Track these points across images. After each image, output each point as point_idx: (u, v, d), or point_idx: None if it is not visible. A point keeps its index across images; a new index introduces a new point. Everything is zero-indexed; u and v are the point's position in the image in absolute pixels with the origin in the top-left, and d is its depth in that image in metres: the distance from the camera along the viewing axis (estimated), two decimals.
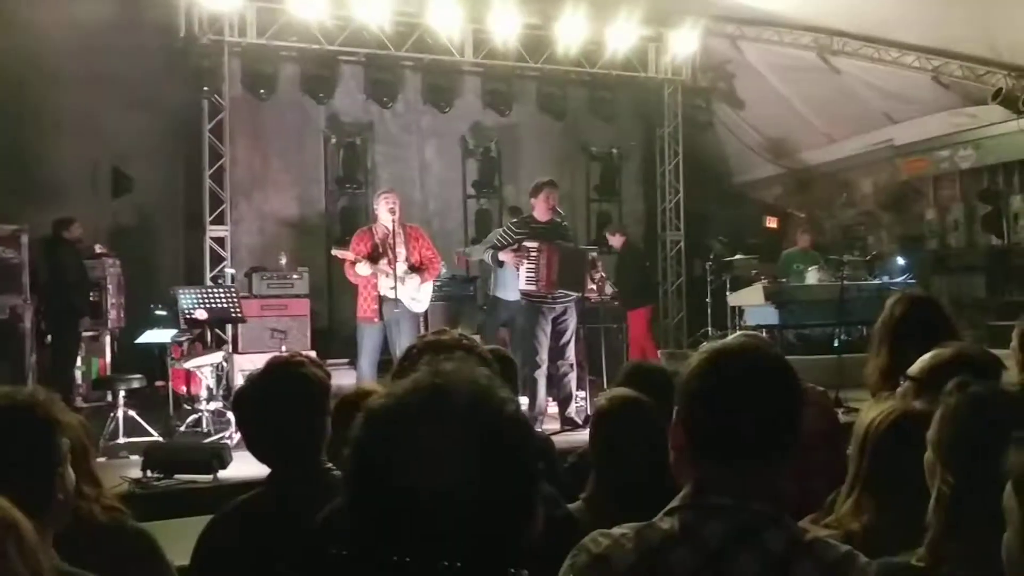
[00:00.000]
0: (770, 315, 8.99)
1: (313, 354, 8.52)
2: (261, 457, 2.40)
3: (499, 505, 1.05)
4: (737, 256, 11.13)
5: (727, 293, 10.48)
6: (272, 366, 2.43)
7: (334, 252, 7.77)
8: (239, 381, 7.74)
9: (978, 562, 1.53)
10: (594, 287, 7.70)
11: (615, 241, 10.48)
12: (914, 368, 2.37)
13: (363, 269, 7.34)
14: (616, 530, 1.53)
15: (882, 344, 3.01)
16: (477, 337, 8.41)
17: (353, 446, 1.08)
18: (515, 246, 7.42)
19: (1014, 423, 1.37)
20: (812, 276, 9.59)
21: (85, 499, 2.01)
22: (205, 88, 10.04)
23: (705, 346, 1.61)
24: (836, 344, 8.14)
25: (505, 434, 1.08)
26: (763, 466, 1.49)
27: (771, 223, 12.50)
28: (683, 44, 11.56)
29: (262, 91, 10.64)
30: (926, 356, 2.37)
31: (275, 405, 2.34)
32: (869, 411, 2.11)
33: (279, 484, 2.36)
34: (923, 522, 1.70)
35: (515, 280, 7.63)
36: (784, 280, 9.50)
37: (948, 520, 1.65)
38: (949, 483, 1.67)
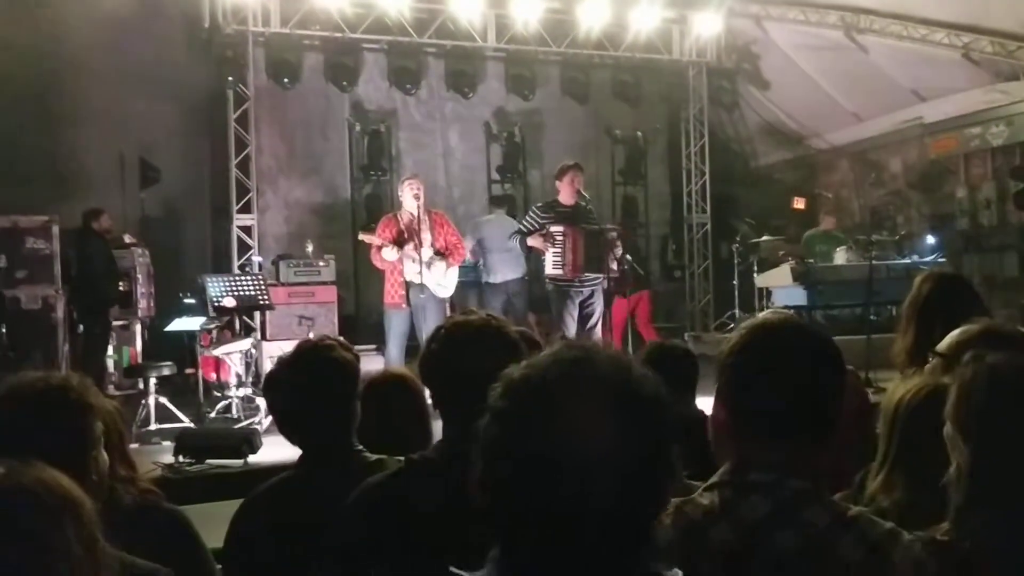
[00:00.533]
0: (798, 296, 8.92)
1: (342, 338, 8.61)
2: (292, 439, 2.42)
3: (638, 481, 1.04)
4: (764, 237, 11.05)
5: (754, 275, 10.42)
6: (302, 349, 2.44)
7: (361, 237, 7.80)
8: (268, 368, 7.79)
9: (1000, 533, 1.51)
10: (614, 265, 7.65)
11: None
12: (942, 345, 2.35)
13: (389, 254, 7.37)
14: None
15: (910, 322, 2.99)
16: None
17: (494, 415, 1.07)
18: (542, 231, 7.42)
19: None
20: (841, 256, 9.51)
21: (121, 481, 2.04)
22: (230, 78, 10.10)
23: (746, 323, 1.60)
24: (868, 323, 8.06)
25: (648, 408, 1.06)
26: (804, 443, 1.48)
27: (799, 204, 12.38)
28: (707, 25, 11.47)
29: (286, 80, 10.70)
30: (954, 333, 2.35)
31: (305, 388, 2.35)
32: (897, 388, 2.10)
33: (310, 466, 2.37)
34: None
35: (501, 264, 7.63)
36: (811, 260, 9.42)
37: (968, 492, 1.64)
38: (966, 455, 1.66)
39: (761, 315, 1.62)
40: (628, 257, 7.87)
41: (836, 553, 1.40)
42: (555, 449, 1.01)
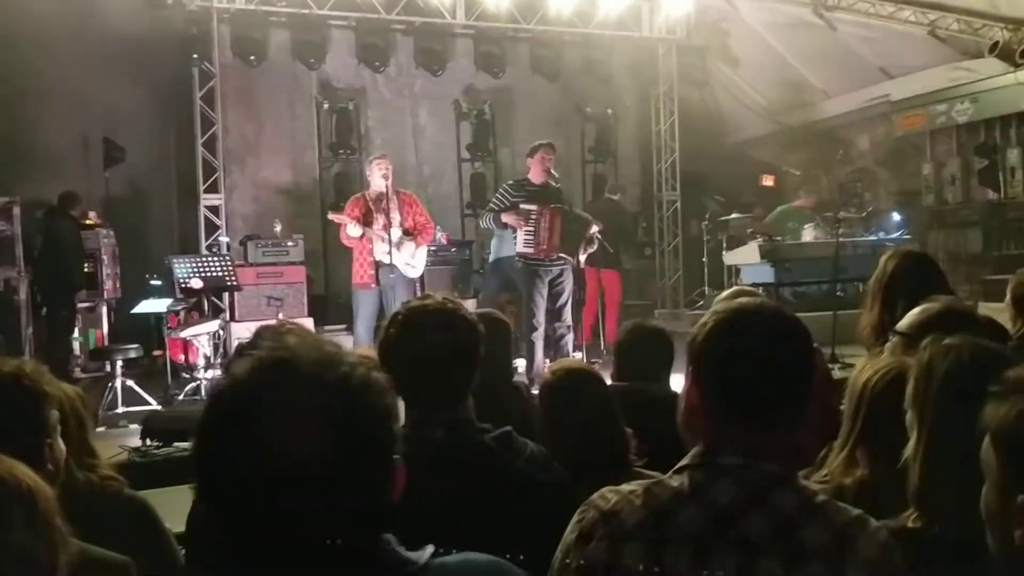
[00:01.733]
0: (766, 273, 8.99)
1: (309, 322, 8.57)
2: None
3: (351, 473, 1.03)
4: (733, 215, 11.10)
5: (723, 252, 10.47)
6: (260, 335, 2.42)
7: (330, 216, 7.76)
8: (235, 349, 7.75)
9: (964, 515, 1.53)
10: (583, 257, 7.67)
11: (616, 197, 10.39)
12: (902, 324, 2.37)
13: (354, 231, 7.34)
14: (625, 487, 1.54)
15: (874, 299, 3.02)
16: (473, 302, 8.46)
17: (197, 430, 1.06)
18: (515, 208, 7.41)
19: (986, 376, 1.37)
20: (808, 234, 9.58)
21: (82, 469, 2.02)
22: (195, 55, 9.93)
23: (719, 306, 1.60)
24: (835, 300, 8.15)
25: (352, 402, 1.06)
26: (775, 427, 1.49)
27: (767, 181, 12.45)
28: (677, 2, 11.43)
29: (252, 58, 10.54)
30: (914, 311, 2.38)
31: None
32: (864, 369, 2.11)
33: None
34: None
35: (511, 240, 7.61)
36: (780, 238, 9.48)
37: (925, 474, 1.66)
38: (923, 437, 1.67)
39: (735, 299, 1.62)
40: (599, 236, 7.86)
41: (802, 538, 1.41)
42: (253, 454, 1.00)
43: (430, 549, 1.12)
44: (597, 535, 1.48)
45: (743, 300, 1.61)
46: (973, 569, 1.48)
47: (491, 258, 8.97)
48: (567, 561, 1.50)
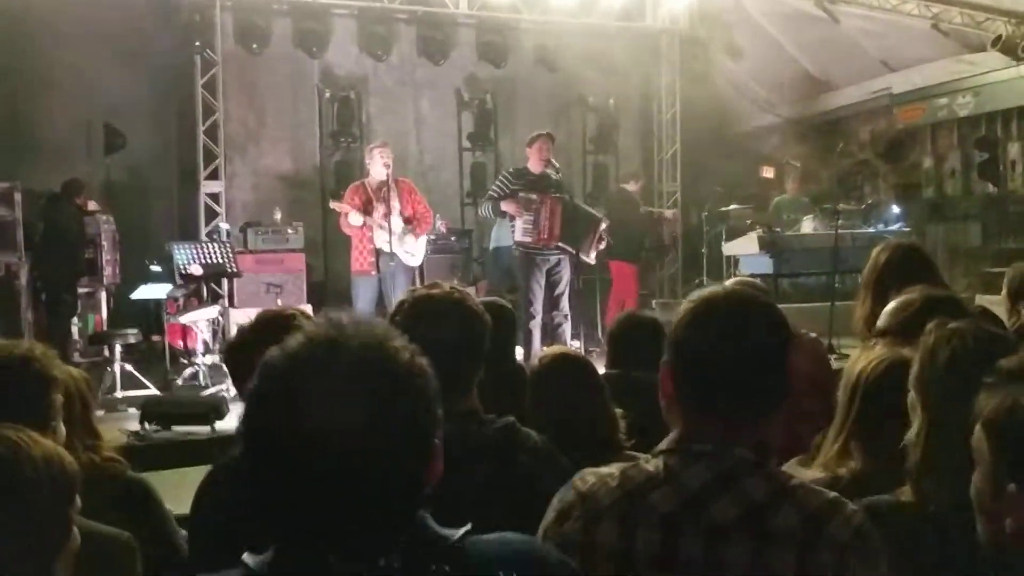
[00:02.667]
0: (765, 264, 9.01)
1: (308, 308, 8.58)
2: None
3: (393, 451, 1.06)
4: (732, 206, 11.11)
5: (722, 243, 10.48)
6: (262, 320, 2.43)
7: (332, 204, 7.77)
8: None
9: (954, 495, 1.55)
10: (593, 254, 7.68)
11: (633, 187, 10.46)
12: (881, 321, 2.39)
13: (355, 219, 7.35)
14: (604, 469, 1.56)
15: (867, 291, 3.04)
16: (472, 290, 8.48)
17: (248, 399, 1.09)
18: (514, 196, 7.42)
19: (990, 360, 1.38)
20: (807, 225, 9.59)
21: (85, 450, 2.04)
22: (197, 43, 9.93)
23: (694, 294, 1.62)
24: (833, 291, 8.17)
25: (399, 382, 1.09)
26: (748, 413, 1.50)
27: (767, 173, 12.42)
28: None
29: (255, 45, 10.53)
30: (890, 307, 2.40)
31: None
32: (859, 359, 2.13)
33: None
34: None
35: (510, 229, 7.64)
36: (778, 229, 9.49)
37: (925, 455, 1.68)
38: (926, 419, 1.69)
39: (711, 287, 1.63)
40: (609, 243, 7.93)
41: (771, 523, 1.42)
42: (302, 427, 1.03)
43: (465, 527, 1.15)
44: (574, 515, 1.51)
45: (715, 288, 1.62)
46: (963, 546, 1.50)
47: (491, 246, 9.00)
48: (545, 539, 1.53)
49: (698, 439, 1.50)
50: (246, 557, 1.10)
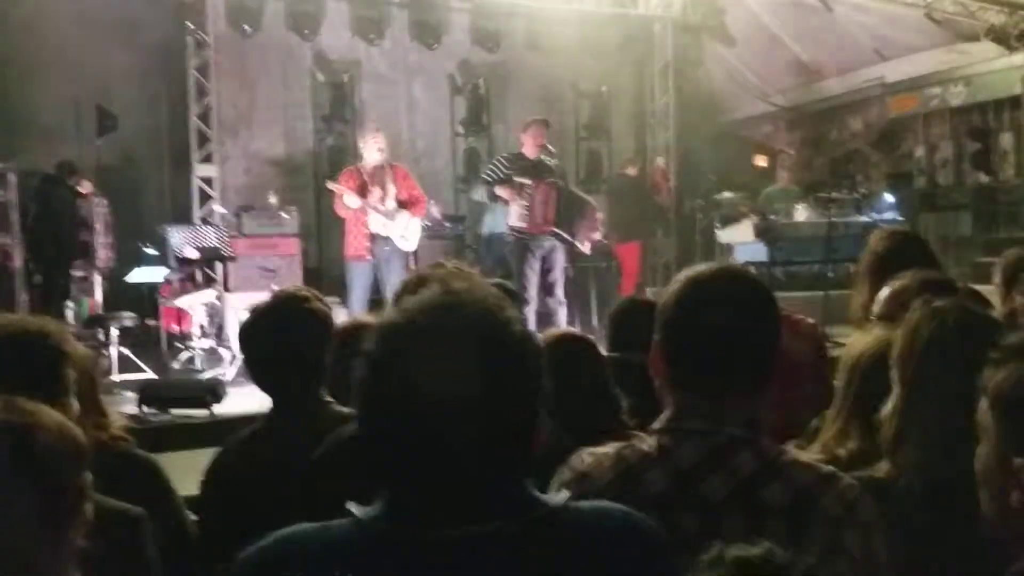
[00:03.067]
0: (759, 252, 9.04)
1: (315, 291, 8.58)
2: (264, 389, 2.44)
3: (505, 418, 1.10)
4: (726, 194, 11.14)
5: (716, 230, 10.52)
6: (278, 299, 2.44)
7: (329, 185, 7.77)
8: (230, 319, 7.78)
9: (931, 470, 1.58)
10: (588, 244, 7.72)
11: (632, 172, 10.49)
12: (877, 308, 2.42)
13: (351, 201, 7.35)
14: (600, 449, 1.59)
15: (865, 278, 3.06)
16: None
17: (365, 360, 1.12)
18: (509, 181, 7.43)
19: (970, 337, 1.40)
20: (800, 213, 9.63)
21: (93, 428, 2.05)
22: (189, 25, 9.88)
23: (683, 272, 1.63)
24: (826, 280, 8.22)
25: (513, 351, 1.12)
26: (738, 391, 1.51)
27: (760, 161, 12.45)
28: None
29: (247, 28, 10.46)
30: (885, 291, 2.42)
31: (280, 338, 2.36)
32: (858, 340, 2.16)
33: (281, 417, 2.39)
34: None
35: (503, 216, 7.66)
36: (773, 217, 9.53)
37: (899, 430, 1.70)
38: (903, 394, 1.72)
39: (697, 266, 1.64)
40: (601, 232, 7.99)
41: (762, 499, 1.43)
42: (419, 390, 1.07)
43: (566, 493, 1.19)
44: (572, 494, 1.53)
45: (704, 267, 1.63)
46: (936, 517, 1.53)
47: (484, 232, 9.00)
48: None
49: (689, 417, 1.51)
50: (353, 507, 1.13)
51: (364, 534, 1.10)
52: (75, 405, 1.93)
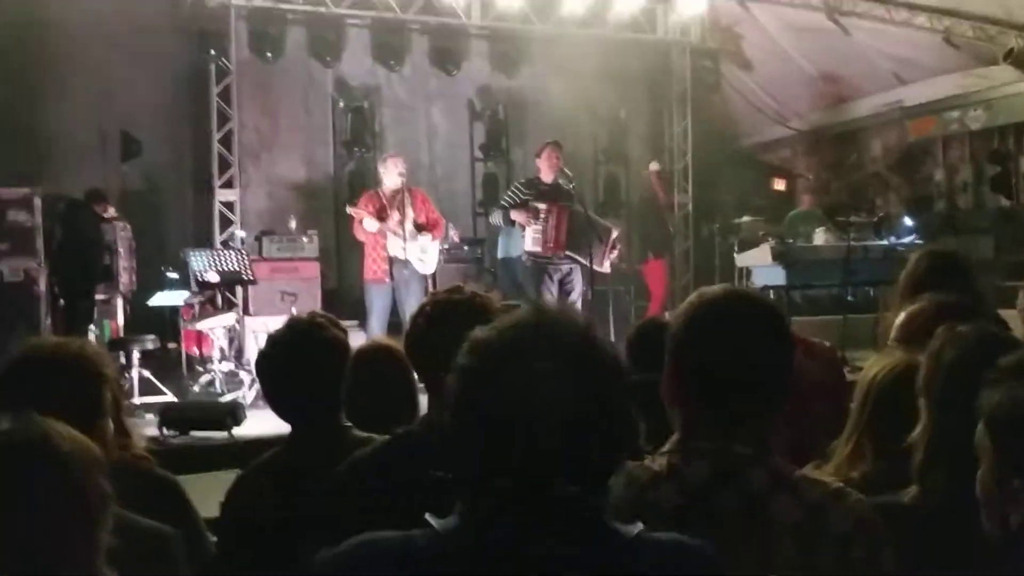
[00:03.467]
0: (777, 275, 9.01)
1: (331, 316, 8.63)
2: (283, 416, 2.45)
3: (593, 440, 1.11)
4: (745, 218, 11.14)
5: (735, 254, 10.51)
6: (294, 328, 2.45)
7: (349, 209, 7.83)
8: (250, 342, 7.83)
9: (960, 494, 1.58)
10: (608, 264, 7.71)
11: (653, 166, 10.58)
12: (894, 332, 2.42)
13: (370, 224, 7.41)
14: None
15: (903, 297, 3.03)
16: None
17: (461, 374, 1.14)
18: (524, 205, 7.47)
19: (991, 362, 1.40)
20: (819, 237, 9.60)
21: (118, 448, 2.09)
22: (212, 51, 10.02)
23: (695, 293, 1.64)
24: (845, 304, 8.17)
25: (606, 368, 1.15)
26: (747, 411, 1.52)
27: (779, 185, 12.47)
28: (691, 5, 11.48)
29: (269, 54, 10.60)
30: (902, 315, 2.42)
31: (297, 367, 2.37)
32: (873, 363, 2.16)
33: (300, 443, 2.40)
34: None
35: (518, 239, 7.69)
36: (791, 241, 9.51)
37: (928, 455, 1.71)
38: (930, 419, 1.72)
39: (709, 288, 1.66)
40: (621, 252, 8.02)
41: (773, 515, 1.44)
42: (513, 404, 1.08)
43: (640, 525, 1.19)
44: None
45: (715, 288, 1.64)
46: (963, 543, 1.53)
47: (500, 255, 9.04)
48: None
49: (698, 436, 1.52)
50: (431, 519, 1.14)
51: (445, 545, 1.11)
52: (110, 426, 1.96)
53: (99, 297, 9.13)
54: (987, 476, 1.29)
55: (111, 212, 9.33)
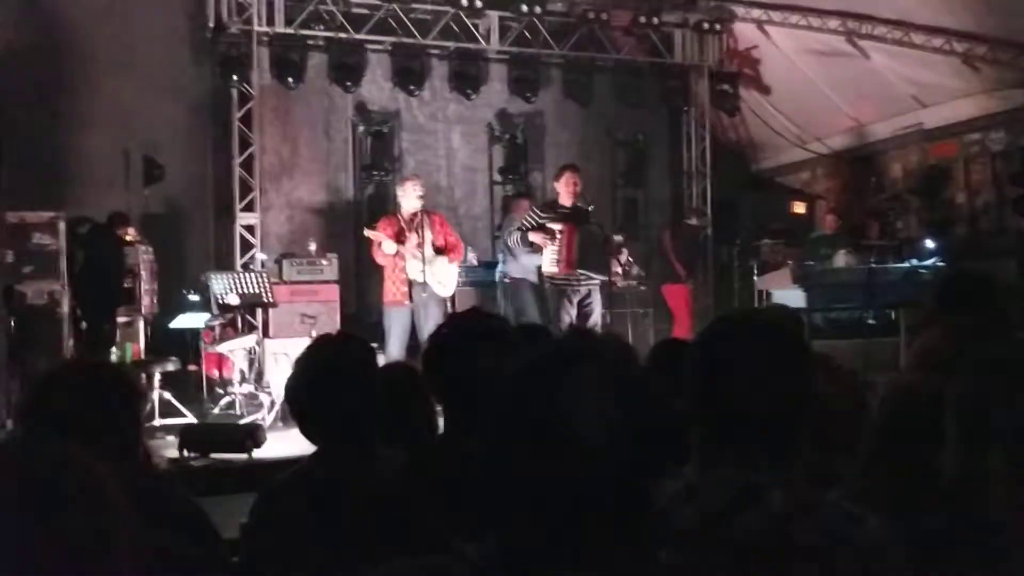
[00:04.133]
0: (797, 298, 8.96)
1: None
2: (310, 437, 2.43)
3: (633, 463, 1.11)
4: (764, 241, 11.11)
5: (754, 277, 10.48)
6: (320, 347, 2.46)
7: (366, 232, 7.88)
8: (270, 365, 7.87)
9: (988, 519, 1.57)
10: (619, 271, 7.72)
11: (694, 220, 10.70)
12: (912, 355, 2.41)
13: (389, 247, 7.44)
14: None
15: (933, 319, 3.02)
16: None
17: (505, 386, 1.14)
18: (542, 228, 7.50)
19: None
20: (840, 259, 9.56)
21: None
22: (234, 77, 10.15)
23: (714, 318, 1.65)
24: (866, 327, 8.12)
25: (646, 394, 1.15)
26: (767, 434, 1.51)
27: (798, 208, 12.44)
28: (709, 29, 11.53)
29: (290, 79, 10.72)
30: (919, 341, 2.42)
31: (323, 388, 2.36)
32: (890, 385, 2.16)
33: (328, 462, 2.38)
34: (930, 487, 1.74)
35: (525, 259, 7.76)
36: (812, 263, 9.47)
37: (956, 475, 1.69)
38: (959, 440, 1.71)
39: (728, 310, 1.67)
40: (631, 259, 7.98)
41: (793, 538, 1.43)
42: (558, 421, 1.08)
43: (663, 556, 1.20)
44: None
45: (731, 310, 1.66)
46: (987, 567, 1.52)
47: (498, 278, 9.08)
48: None
49: (719, 461, 1.52)
50: (461, 546, 1.12)
51: (478, 573, 1.10)
52: (147, 442, 1.99)
53: (121, 320, 9.20)
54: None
55: (132, 234, 9.43)
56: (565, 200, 7.63)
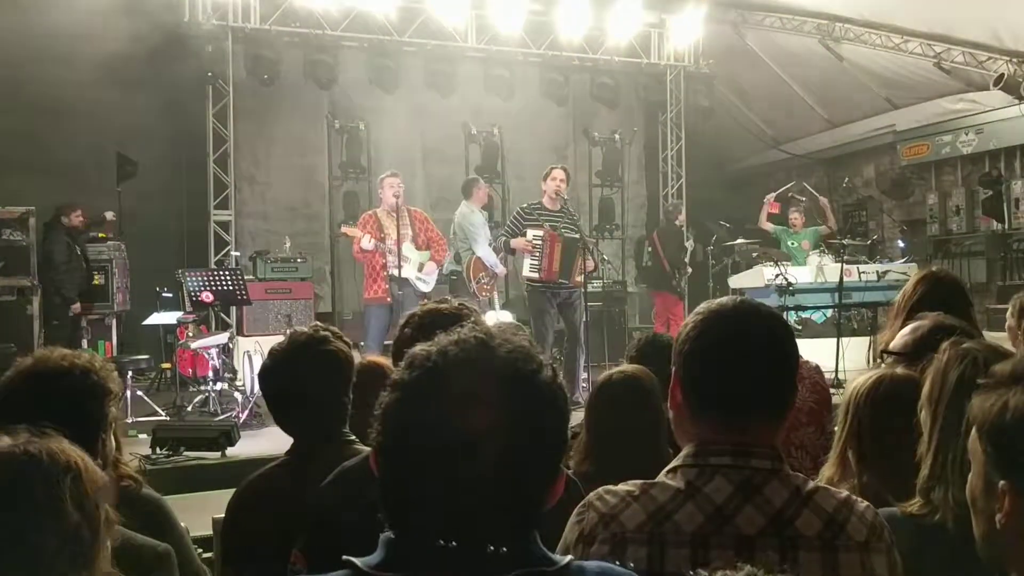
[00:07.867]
0: (771, 298, 9.05)
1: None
2: (286, 428, 2.44)
3: (528, 461, 1.08)
4: (739, 240, 11.18)
5: (728, 276, 10.55)
6: (296, 341, 2.44)
7: (344, 229, 7.85)
8: (244, 362, 7.82)
9: (965, 509, 1.59)
10: (580, 277, 7.66)
11: (680, 222, 10.71)
12: (896, 343, 2.44)
13: (367, 243, 7.42)
14: (621, 488, 1.55)
15: (898, 316, 3.05)
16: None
17: (393, 388, 1.11)
18: (523, 234, 7.54)
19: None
20: (813, 260, 9.65)
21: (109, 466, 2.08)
22: (209, 73, 10.08)
23: (701, 306, 1.64)
24: (838, 326, 8.19)
25: (542, 394, 1.11)
26: (760, 422, 1.52)
27: (772, 208, 12.52)
28: (685, 30, 11.59)
29: (265, 76, 10.64)
30: (906, 330, 2.44)
31: (299, 379, 2.37)
32: (857, 379, 2.18)
33: (303, 455, 2.39)
34: (905, 480, 1.77)
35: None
36: (785, 263, 9.54)
37: (933, 469, 1.72)
38: (935, 434, 1.73)
39: (715, 300, 1.67)
40: (597, 263, 8.04)
41: (796, 527, 1.45)
42: (443, 420, 1.05)
43: (570, 556, 1.16)
44: (599, 538, 1.49)
45: (721, 300, 1.64)
46: (967, 555, 1.54)
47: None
48: None
49: (714, 451, 1.51)
50: (351, 559, 1.08)
51: None
52: (112, 441, 1.96)
53: (93, 317, 9.12)
54: (976, 479, 1.30)
55: (81, 218, 9.19)
56: (548, 203, 7.66)
